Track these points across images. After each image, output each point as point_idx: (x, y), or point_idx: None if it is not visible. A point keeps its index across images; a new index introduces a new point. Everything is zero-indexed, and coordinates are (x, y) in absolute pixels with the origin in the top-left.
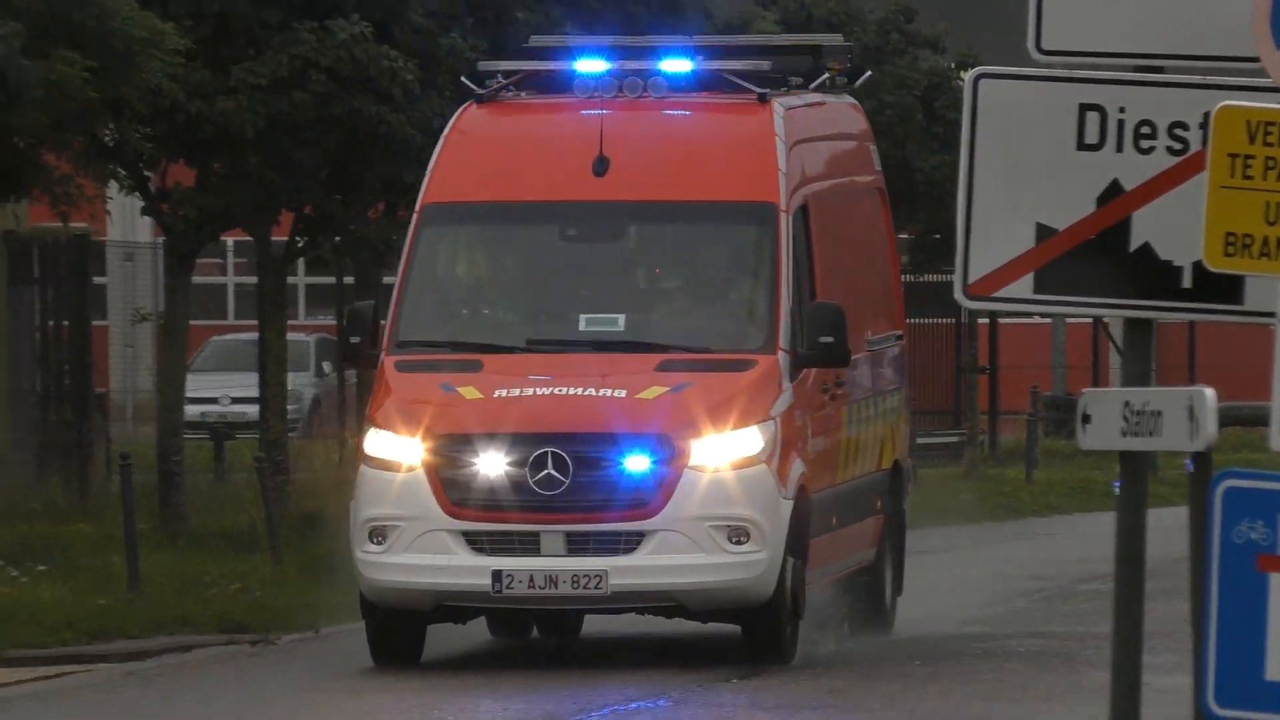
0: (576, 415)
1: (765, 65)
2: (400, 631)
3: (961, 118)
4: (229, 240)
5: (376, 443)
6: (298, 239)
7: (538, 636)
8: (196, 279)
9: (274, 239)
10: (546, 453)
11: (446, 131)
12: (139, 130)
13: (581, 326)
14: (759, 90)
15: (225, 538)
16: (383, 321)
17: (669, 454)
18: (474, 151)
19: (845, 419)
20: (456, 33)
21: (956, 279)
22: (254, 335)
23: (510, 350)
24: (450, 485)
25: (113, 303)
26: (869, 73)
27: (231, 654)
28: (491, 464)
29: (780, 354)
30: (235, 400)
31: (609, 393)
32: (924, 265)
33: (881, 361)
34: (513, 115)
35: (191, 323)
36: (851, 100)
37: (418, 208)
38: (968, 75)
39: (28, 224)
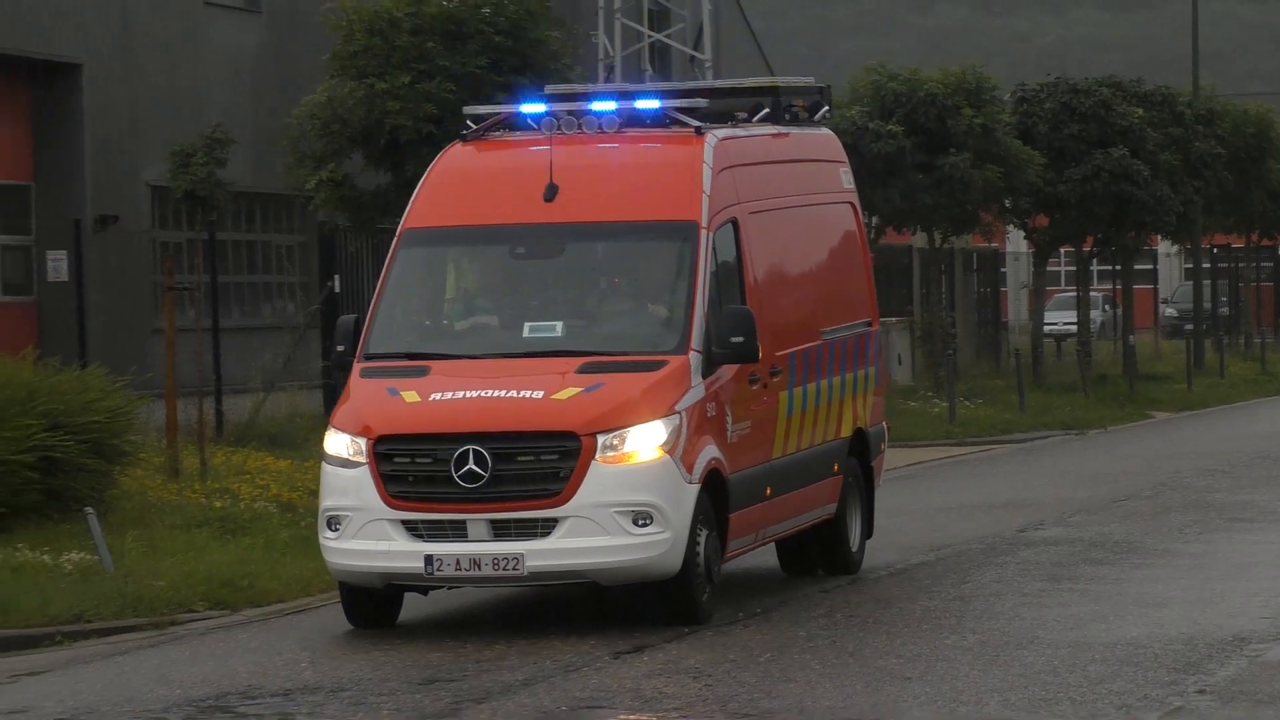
0: (495, 415)
1: (703, 103)
2: (367, 601)
3: None
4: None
5: (332, 442)
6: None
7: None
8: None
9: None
10: (469, 449)
11: (432, 166)
12: (1024, 200)
13: (525, 334)
14: (696, 124)
15: None
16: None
17: (578, 448)
18: (450, 183)
19: (784, 402)
20: None
21: None
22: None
23: (459, 358)
24: (389, 479)
25: (1012, 283)
26: (826, 108)
27: None
28: (423, 459)
29: (692, 354)
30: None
31: (528, 394)
32: None
33: (841, 346)
34: (486, 151)
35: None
36: (824, 131)
37: (398, 233)
38: None
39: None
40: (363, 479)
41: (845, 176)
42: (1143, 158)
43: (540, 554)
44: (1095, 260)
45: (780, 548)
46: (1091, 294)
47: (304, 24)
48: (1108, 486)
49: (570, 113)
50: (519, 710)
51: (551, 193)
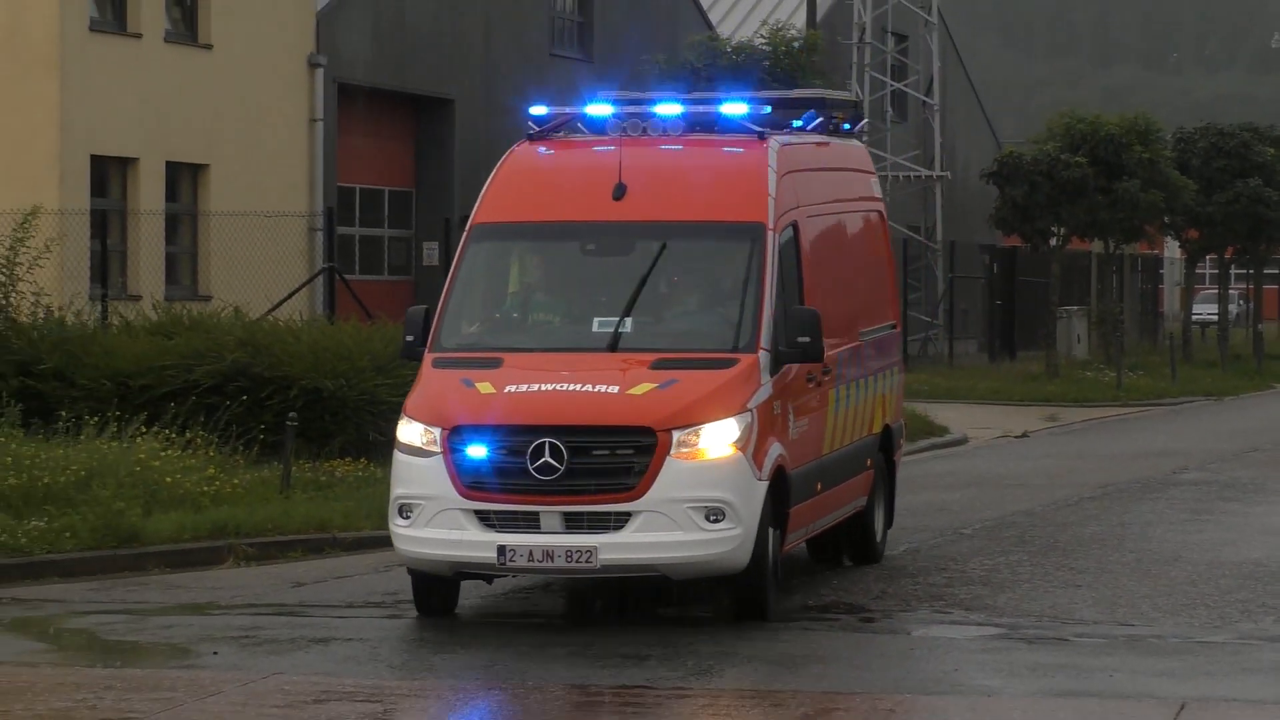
0: (571, 409)
1: (766, 110)
2: (436, 589)
3: None
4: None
5: (406, 431)
6: None
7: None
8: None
9: None
10: (544, 442)
11: (500, 164)
12: (1180, 218)
13: (594, 329)
14: (758, 130)
15: None
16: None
17: (653, 443)
18: (519, 180)
19: (833, 400)
20: None
21: None
22: None
23: (532, 351)
24: (463, 469)
25: (1168, 281)
26: (865, 120)
27: None
28: (498, 451)
29: (761, 353)
30: None
31: (602, 388)
32: None
33: (874, 347)
34: (554, 150)
35: None
36: (856, 143)
37: (467, 227)
38: None
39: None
40: (436, 468)
41: (875, 186)
42: (1274, 186)
43: (613, 547)
44: (1233, 265)
45: (810, 539)
46: (1230, 291)
47: (622, 69)
48: (1239, 441)
49: (636, 115)
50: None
51: (620, 192)
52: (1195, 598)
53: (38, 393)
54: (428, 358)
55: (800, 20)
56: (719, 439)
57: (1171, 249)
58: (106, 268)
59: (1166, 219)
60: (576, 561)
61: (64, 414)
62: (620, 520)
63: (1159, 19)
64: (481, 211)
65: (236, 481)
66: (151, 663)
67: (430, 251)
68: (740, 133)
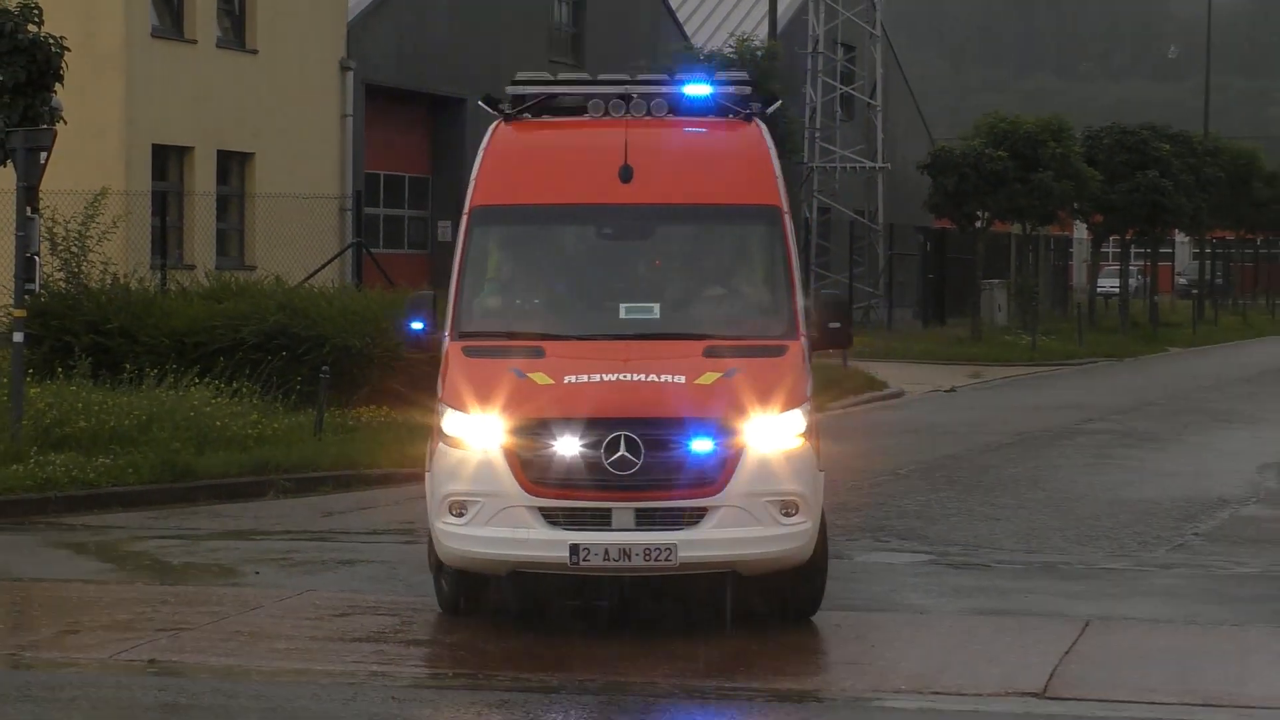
0: (646, 401)
1: (747, 90)
2: (474, 588)
3: None
4: None
5: (454, 423)
6: None
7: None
8: None
9: None
10: (620, 436)
11: (485, 144)
12: (1087, 204)
13: (621, 316)
14: (745, 111)
15: None
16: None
17: (729, 436)
18: (511, 161)
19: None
20: None
21: None
22: None
23: (566, 339)
24: (528, 465)
25: (1077, 259)
26: (779, 101)
27: None
28: (568, 446)
29: (803, 339)
30: None
31: (669, 379)
32: None
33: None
34: (541, 131)
35: None
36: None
37: (466, 210)
38: None
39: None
40: (496, 463)
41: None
42: (1169, 178)
43: (693, 544)
44: (1133, 245)
45: None
46: (1130, 268)
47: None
48: (1137, 396)
49: (619, 95)
50: None
51: (628, 174)
52: (1099, 530)
53: (105, 348)
54: (453, 346)
55: (763, 32)
56: (790, 430)
57: (1080, 231)
58: (165, 241)
59: (1076, 205)
60: (655, 560)
61: (128, 367)
62: (695, 516)
63: (1073, 34)
64: (479, 193)
65: (276, 425)
66: (202, 581)
67: (444, 229)
68: (726, 114)
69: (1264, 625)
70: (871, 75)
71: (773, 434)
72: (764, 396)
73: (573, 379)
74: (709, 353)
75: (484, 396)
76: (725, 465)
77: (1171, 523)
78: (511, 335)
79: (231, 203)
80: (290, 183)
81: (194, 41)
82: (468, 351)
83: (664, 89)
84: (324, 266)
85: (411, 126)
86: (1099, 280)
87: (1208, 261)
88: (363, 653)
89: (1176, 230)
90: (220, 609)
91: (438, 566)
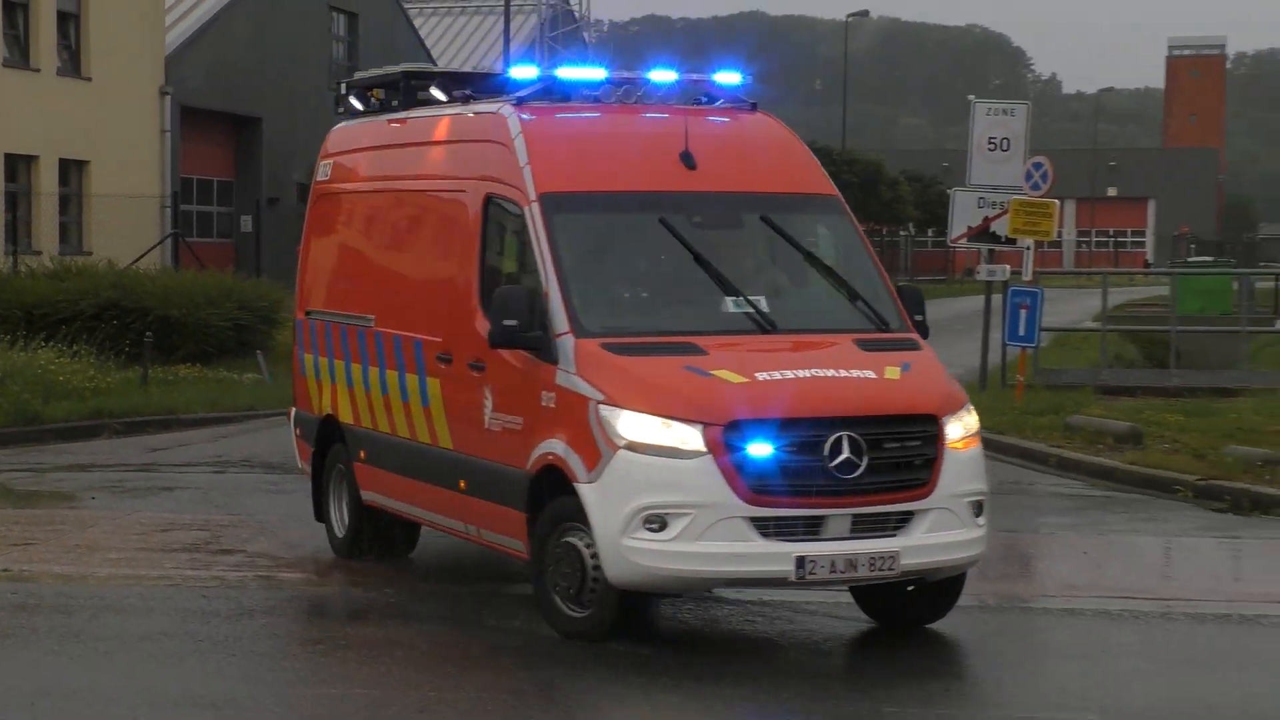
0: (856, 397)
1: (738, 79)
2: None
3: None
4: None
5: (639, 426)
6: None
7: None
8: None
9: None
10: (842, 436)
11: (517, 129)
12: None
13: (729, 309)
14: (751, 101)
15: None
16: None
17: (936, 433)
18: (564, 147)
19: None
20: None
21: None
22: None
23: (707, 334)
24: (746, 472)
25: None
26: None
27: None
28: (787, 448)
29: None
30: None
31: (859, 374)
32: None
33: None
34: (579, 116)
35: None
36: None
37: (534, 196)
38: None
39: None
40: (706, 471)
41: None
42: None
43: (912, 551)
44: None
45: None
46: None
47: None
48: None
49: (630, 81)
50: None
51: (691, 161)
52: None
53: None
54: (585, 344)
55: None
56: (972, 425)
57: None
58: (16, 232)
59: None
60: (879, 569)
61: None
62: (903, 520)
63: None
64: (543, 179)
65: (109, 380)
66: (47, 505)
67: (246, 222)
68: (731, 103)
69: None
70: None
71: (965, 429)
72: (946, 391)
73: (765, 376)
74: (863, 345)
75: (669, 396)
76: (934, 464)
77: None
78: (651, 332)
79: (72, 201)
80: (120, 185)
81: (38, 70)
82: (609, 348)
83: (697, 77)
84: (148, 252)
85: (218, 139)
86: None
87: None
88: (179, 560)
89: None
90: (63, 528)
91: (618, 595)
